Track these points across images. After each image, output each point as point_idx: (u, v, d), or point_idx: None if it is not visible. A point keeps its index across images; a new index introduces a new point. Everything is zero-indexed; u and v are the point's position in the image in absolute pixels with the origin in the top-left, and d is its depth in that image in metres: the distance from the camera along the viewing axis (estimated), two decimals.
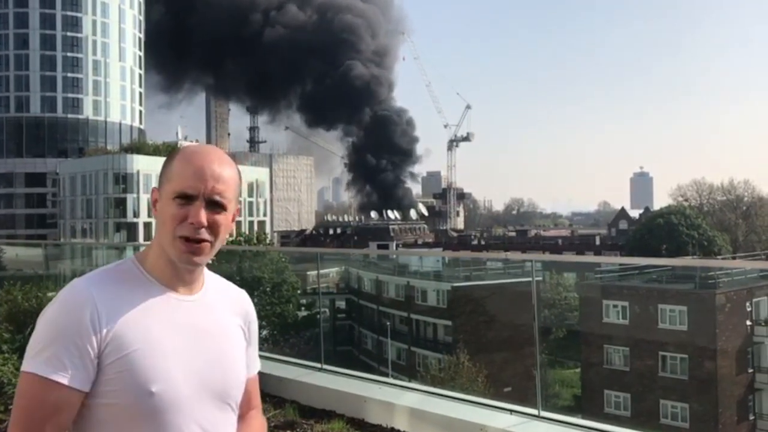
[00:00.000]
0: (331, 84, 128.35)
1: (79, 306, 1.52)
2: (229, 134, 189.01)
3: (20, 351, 6.73)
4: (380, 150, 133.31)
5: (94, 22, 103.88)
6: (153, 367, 1.53)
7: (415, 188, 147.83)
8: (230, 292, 1.81)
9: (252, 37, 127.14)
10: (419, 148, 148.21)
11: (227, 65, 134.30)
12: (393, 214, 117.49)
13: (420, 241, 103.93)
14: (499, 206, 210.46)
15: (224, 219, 1.63)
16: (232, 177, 1.65)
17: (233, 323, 1.76)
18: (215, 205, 1.60)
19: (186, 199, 1.58)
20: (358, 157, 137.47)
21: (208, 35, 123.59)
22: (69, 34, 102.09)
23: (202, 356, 1.62)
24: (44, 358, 1.48)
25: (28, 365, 1.50)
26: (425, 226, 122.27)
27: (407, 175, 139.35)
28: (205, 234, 1.59)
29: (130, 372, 1.51)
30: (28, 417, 1.48)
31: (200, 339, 1.64)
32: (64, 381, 1.48)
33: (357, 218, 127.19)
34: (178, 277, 1.63)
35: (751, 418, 28.95)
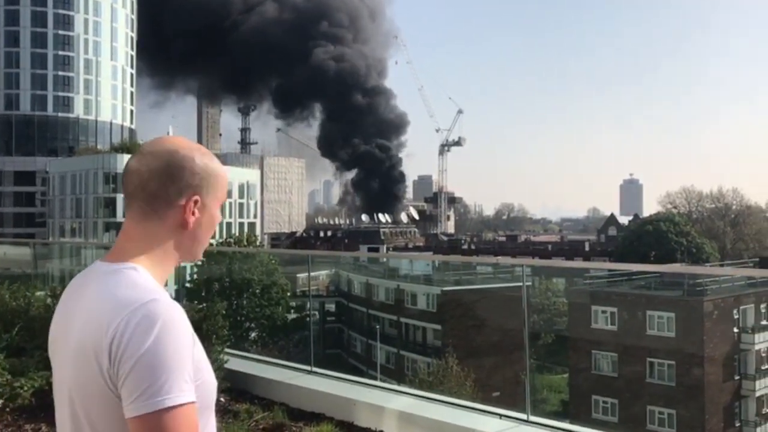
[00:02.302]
0: (300, 75, 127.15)
1: (187, 324, 1.45)
2: (220, 134, 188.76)
3: (7, 350, 6.68)
4: (355, 133, 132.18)
5: (86, 21, 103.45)
6: (208, 361, 1.55)
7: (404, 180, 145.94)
8: None
9: (228, 37, 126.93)
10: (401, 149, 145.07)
11: (208, 66, 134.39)
12: (384, 218, 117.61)
13: (410, 245, 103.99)
14: (489, 211, 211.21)
15: None
16: None
17: None
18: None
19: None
20: (328, 144, 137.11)
21: (188, 36, 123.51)
22: (60, 32, 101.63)
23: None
24: (186, 382, 1.38)
25: (181, 397, 1.36)
26: (416, 230, 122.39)
27: (390, 155, 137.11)
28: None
29: (206, 372, 1.51)
30: None
31: None
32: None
33: (347, 221, 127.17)
34: (164, 279, 1.64)
35: (737, 424, 29.12)
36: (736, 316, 29.00)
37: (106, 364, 1.39)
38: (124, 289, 1.46)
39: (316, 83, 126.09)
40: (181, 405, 1.35)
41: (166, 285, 1.64)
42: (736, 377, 28.86)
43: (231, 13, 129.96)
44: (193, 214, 1.59)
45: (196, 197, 1.58)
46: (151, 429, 1.35)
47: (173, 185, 1.56)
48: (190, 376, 1.40)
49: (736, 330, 28.87)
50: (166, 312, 1.41)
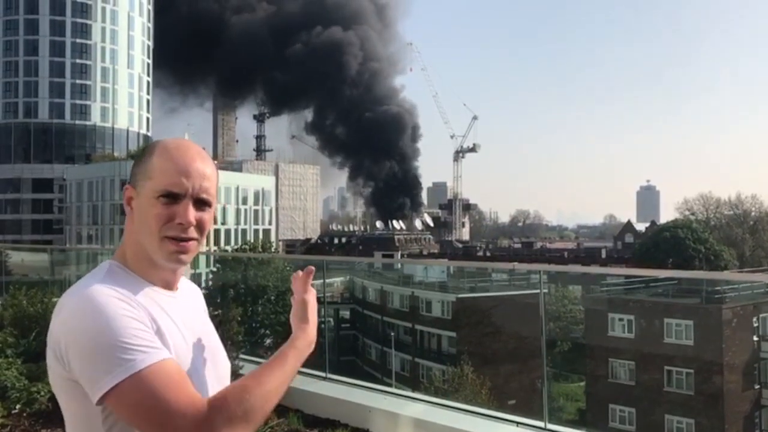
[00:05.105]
0: (295, 73, 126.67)
1: (123, 297, 1.45)
2: (237, 141, 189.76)
3: (24, 355, 6.71)
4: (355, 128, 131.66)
5: (103, 30, 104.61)
6: (185, 364, 1.52)
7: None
8: (191, 286, 1.80)
9: (227, 41, 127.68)
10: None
11: (216, 71, 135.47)
12: (398, 225, 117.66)
13: (425, 252, 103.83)
14: (504, 218, 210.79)
15: (209, 216, 1.59)
16: (214, 173, 1.62)
17: (207, 316, 1.79)
18: (202, 203, 1.57)
19: (172, 198, 1.53)
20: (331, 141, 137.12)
21: (196, 42, 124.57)
22: (78, 41, 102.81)
23: (205, 351, 1.64)
24: (137, 348, 1.38)
25: (127, 368, 1.35)
26: (430, 236, 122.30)
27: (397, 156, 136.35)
28: (193, 233, 1.56)
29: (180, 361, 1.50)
30: (169, 402, 1.35)
31: (198, 334, 1.64)
32: (169, 354, 1.44)
33: (362, 228, 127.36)
34: (160, 275, 1.60)
35: None
36: (755, 324, 28.64)
37: (53, 353, 1.45)
38: (80, 282, 1.51)
39: (313, 80, 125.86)
40: (136, 372, 1.36)
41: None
42: (756, 386, 28.47)
43: (225, 16, 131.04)
44: (129, 204, 1.60)
45: (127, 187, 1.60)
46: (119, 404, 1.37)
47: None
48: (151, 336, 1.42)
49: (755, 338, 28.52)
50: (100, 292, 1.44)
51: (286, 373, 1.53)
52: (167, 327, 1.51)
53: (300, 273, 1.78)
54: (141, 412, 1.36)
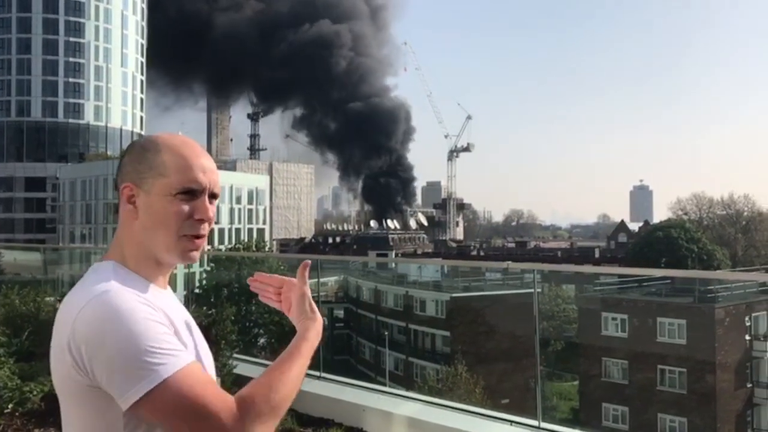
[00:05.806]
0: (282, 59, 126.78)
1: (143, 300, 1.42)
2: (231, 140, 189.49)
3: (17, 354, 6.69)
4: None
5: (96, 28, 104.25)
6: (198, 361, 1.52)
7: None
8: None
9: (216, 40, 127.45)
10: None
11: (209, 70, 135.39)
12: (393, 224, 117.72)
13: (419, 251, 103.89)
14: (498, 217, 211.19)
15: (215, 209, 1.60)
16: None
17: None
18: (213, 197, 1.56)
19: (191, 194, 1.51)
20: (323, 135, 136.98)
21: (190, 41, 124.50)
22: (71, 39, 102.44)
23: (204, 348, 1.64)
24: (166, 352, 1.35)
25: (160, 373, 1.33)
26: (425, 236, 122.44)
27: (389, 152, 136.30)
28: (206, 228, 1.55)
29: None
30: (204, 403, 1.34)
31: (195, 332, 1.65)
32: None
33: (356, 227, 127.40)
34: (160, 274, 1.59)
35: None
36: (747, 323, 28.77)
37: (72, 360, 1.38)
38: (88, 285, 1.45)
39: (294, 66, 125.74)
40: (168, 377, 1.33)
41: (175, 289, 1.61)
42: (749, 385, 28.60)
43: (214, 15, 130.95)
44: (130, 202, 1.54)
45: (127, 185, 1.54)
46: (153, 410, 1.34)
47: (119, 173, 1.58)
48: (175, 340, 1.40)
49: (748, 337, 28.64)
50: (116, 299, 1.38)
51: (302, 366, 1.55)
52: (180, 327, 1.51)
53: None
54: (176, 416, 1.34)
